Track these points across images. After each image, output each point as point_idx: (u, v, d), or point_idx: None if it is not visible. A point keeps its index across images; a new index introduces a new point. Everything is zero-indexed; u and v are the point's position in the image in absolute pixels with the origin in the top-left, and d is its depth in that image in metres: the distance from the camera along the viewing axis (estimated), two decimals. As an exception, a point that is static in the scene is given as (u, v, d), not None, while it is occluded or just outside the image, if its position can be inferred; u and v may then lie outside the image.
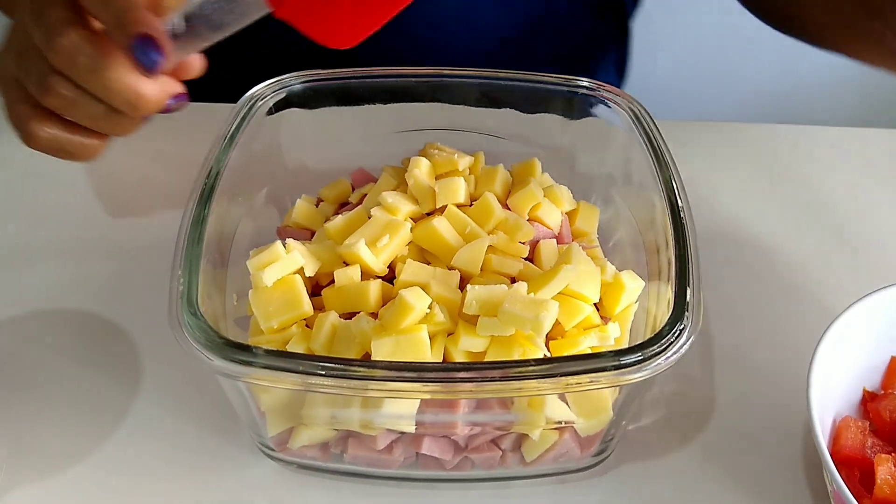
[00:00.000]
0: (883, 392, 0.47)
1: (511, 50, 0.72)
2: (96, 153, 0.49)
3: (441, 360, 0.42)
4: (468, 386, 0.38)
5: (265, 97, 0.52)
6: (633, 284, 0.45)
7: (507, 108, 0.54)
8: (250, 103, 0.51)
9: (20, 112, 0.48)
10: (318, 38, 0.41)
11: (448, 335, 0.43)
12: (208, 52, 0.47)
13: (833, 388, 0.45)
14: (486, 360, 0.41)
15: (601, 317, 0.45)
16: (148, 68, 0.43)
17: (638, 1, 0.84)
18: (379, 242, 0.45)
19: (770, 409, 0.49)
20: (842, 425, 0.44)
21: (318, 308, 0.45)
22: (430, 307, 0.42)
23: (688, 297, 0.40)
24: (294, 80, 0.53)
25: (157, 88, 0.45)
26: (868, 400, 0.47)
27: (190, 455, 0.47)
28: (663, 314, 0.40)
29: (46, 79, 0.46)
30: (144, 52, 0.42)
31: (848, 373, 0.46)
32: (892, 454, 0.42)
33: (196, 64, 0.47)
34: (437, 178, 0.49)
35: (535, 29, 0.72)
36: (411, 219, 0.47)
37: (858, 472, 0.43)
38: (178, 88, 0.46)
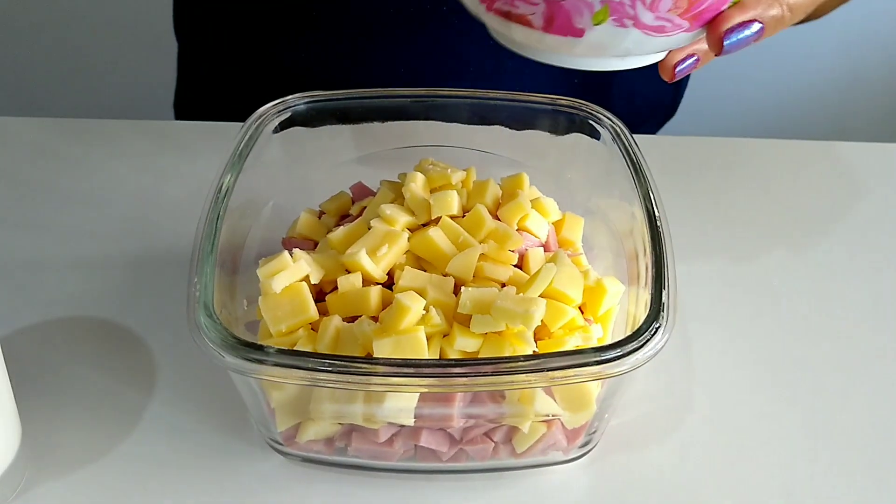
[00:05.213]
0: None
1: None
2: None
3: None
4: (462, 380, 0.41)
5: (271, 116, 0.55)
6: (614, 288, 0.48)
7: (497, 126, 0.58)
8: (257, 122, 0.54)
9: None
10: None
11: (444, 336, 0.46)
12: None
13: None
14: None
15: (585, 319, 0.48)
16: None
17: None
18: (378, 251, 0.48)
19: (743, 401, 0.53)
20: None
21: (323, 313, 0.48)
22: (426, 310, 0.45)
23: (663, 298, 0.44)
24: (297, 101, 0.56)
25: None
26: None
27: (203, 452, 0.50)
28: (641, 315, 0.44)
29: None
30: None
31: None
32: None
33: None
34: (431, 192, 0.53)
35: None
36: (408, 229, 0.51)
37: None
38: None
